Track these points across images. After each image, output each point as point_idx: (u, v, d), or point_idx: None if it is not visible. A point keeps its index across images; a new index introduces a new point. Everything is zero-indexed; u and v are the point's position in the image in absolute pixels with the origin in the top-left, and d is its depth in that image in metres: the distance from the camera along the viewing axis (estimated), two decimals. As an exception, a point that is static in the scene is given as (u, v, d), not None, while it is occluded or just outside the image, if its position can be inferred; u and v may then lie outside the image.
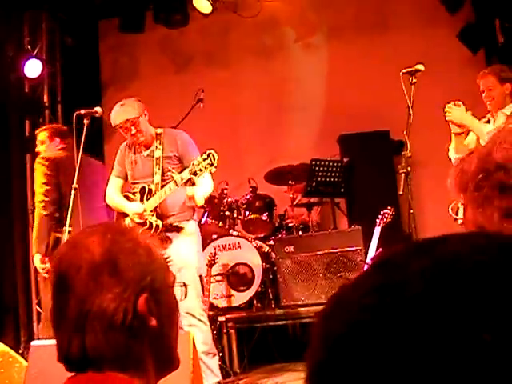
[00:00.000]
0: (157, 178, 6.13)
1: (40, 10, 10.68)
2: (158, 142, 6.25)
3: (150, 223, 6.08)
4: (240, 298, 7.85)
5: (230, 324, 7.61)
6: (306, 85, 10.36)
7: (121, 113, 6.17)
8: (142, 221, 6.10)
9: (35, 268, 9.96)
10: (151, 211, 6.10)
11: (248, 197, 8.68)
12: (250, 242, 8.07)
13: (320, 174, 8.62)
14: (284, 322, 7.80)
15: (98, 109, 6.38)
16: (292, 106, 10.37)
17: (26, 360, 3.84)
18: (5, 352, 3.97)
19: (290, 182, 8.74)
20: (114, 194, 6.46)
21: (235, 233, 8.28)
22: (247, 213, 8.59)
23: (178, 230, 6.13)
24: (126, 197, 6.34)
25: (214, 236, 8.13)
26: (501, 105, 5.78)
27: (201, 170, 5.71)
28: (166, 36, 10.61)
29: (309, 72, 10.41)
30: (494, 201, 1.34)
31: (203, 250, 6.95)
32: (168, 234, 6.08)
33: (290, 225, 8.77)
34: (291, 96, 10.41)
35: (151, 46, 10.93)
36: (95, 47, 11.30)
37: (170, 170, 6.06)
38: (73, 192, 6.10)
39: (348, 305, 0.72)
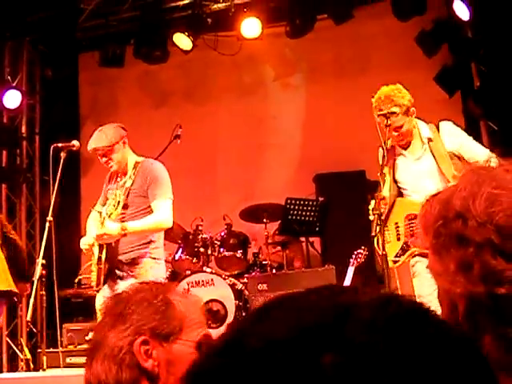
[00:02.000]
0: (118, 209, 6.03)
1: (21, 40, 10.73)
2: (133, 171, 6.16)
3: (98, 255, 6.03)
4: (212, 334, 7.80)
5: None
6: (284, 123, 10.44)
7: (94, 139, 6.13)
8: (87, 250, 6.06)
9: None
10: (100, 244, 6.00)
11: (223, 234, 8.68)
12: (224, 279, 8.06)
13: (295, 212, 8.64)
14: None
15: (75, 142, 6.41)
16: (269, 144, 10.44)
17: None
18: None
19: (265, 219, 8.75)
20: (89, 223, 6.40)
21: (209, 269, 8.26)
22: (221, 250, 8.58)
23: (129, 269, 6.01)
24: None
25: (188, 272, 8.12)
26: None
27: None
28: (146, 71, 10.66)
29: (286, 111, 10.50)
30: (450, 250, 1.31)
31: (176, 286, 6.88)
32: (118, 272, 6.00)
33: (264, 263, 8.77)
34: (269, 134, 10.49)
35: (131, 81, 10.99)
36: (75, 80, 11.33)
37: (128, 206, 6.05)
38: (47, 224, 6.10)
39: (200, 367, 0.80)
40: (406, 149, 5.87)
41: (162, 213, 5.98)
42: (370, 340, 0.72)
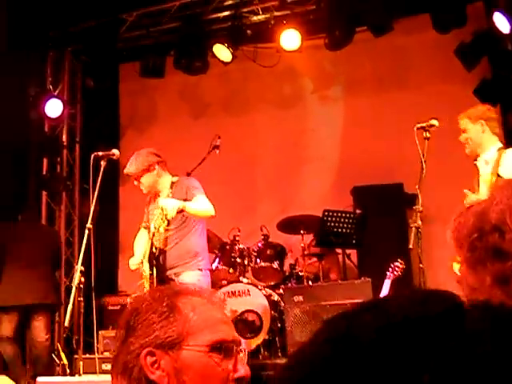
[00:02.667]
0: (161, 227, 6.23)
1: (63, 50, 10.86)
2: (171, 190, 6.46)
3: (149, 271, 6.20)
4: (247, 345, 7.82)
5: (235, 371, 7.55)
6: (322, 136, 10.44)
7: (128, 164, 6.54)
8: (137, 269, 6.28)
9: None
10: (149, 261, 6.21)
11: (260, 244, 8.68)
12: (260, 289, 8.07)
13: (332, 224, 8.61)
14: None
15: (115, 151, 6.49)
16: (307, 156, 10.44)
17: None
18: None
19: (301, 231, 8.74)
20: (136, 244, 6.65)
21: (245, 280, 8.27)
22: (258, 260, 8.58)
23: (179, 282, 6.12)
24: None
25: (224, 282, 8.14)
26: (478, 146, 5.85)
27: (155, 226, 6.04)
28: (186, 82, 10.73)
29: (325, 123, 10.50)
30: (486, 264, 1.28)
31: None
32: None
33: (300, 274, 8.76)
34: (307, 146, 10.49)
35: (170, 91, 11.07)
36: (115, 90, 11.44)
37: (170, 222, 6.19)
38: (86, 231, 6.17)
39: (305, 355, 0.78)
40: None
41: (206, 202, 6.29)
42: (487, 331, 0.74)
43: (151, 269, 6.19)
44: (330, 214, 8.64)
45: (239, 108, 10.81)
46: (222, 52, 9.88)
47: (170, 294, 1.85)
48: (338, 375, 0.73)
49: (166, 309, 1.79)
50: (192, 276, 6.24)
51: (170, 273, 6.23)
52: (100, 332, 8.52)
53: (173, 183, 6.52)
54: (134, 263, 6.38)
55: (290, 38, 9.71)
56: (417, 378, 0.70)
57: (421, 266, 5.48)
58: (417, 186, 5.60)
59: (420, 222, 5.41)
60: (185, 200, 6.21)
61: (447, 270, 5.67)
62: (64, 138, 10.89)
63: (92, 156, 6.39)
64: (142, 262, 6.29)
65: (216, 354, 1.78)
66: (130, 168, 6.51)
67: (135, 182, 6.55)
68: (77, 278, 6.14)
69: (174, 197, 6.34)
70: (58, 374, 7.96)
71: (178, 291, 1.88)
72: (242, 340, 1.93)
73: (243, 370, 1.81)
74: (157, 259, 6.19)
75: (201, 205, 6.24)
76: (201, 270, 6.37)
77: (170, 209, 5.96)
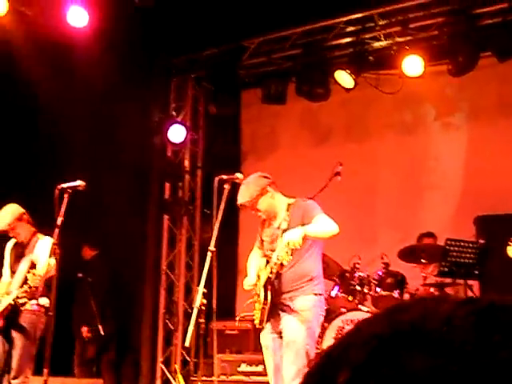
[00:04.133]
0: (285, 261, 6.11)
1: (186, 77, 11.11)
2: (288, 213, 6.32)
3: (264, 295, 6.18)
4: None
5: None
6: (445, 163, 10.26)
7: (239, 195, 6.38)
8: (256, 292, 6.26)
9: (163, 327, 10.22)
10: (265, 284, 6.18)
11: (380, 273, 8.57)
12: (379, 318, 7.94)
13: (455, 254, 8.43)
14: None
15: (238, 175, 6.54)
16: (429, 184, 10.28)
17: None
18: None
19: (422, 260, 8.59)
20: (248, 263, 6.63)
21: (365, 308, 8.18)
22: (378, 289, 8.48)
23: (293, 306, 6.10)
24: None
25: (343, 310, 8.07)
26: None
27: (279, 257, 5.90)
28: (307, 108, 10.77)
29: (447, 151, 10.32)
30: None
31: (329, 323, 6.90)
32: (280, 311, 6.14)
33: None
34: (429, 174, 10.33)
35: (291, 118, 11.12)
36: (237, 116, 11.58)
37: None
38: (209, 254, 6.23)
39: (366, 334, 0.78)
40: None
41: (328, 221, 6.11)
42: None
43: (266, 292, 6.16)
44: (453, 243, 8.46)
45: (360, 134, 10.76)
46: (343, 78, 9.86)
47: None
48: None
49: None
50: (307, 301, 6.15)
51: (284, 297, 6.16)
52: (217, 355, 8.60)
53: (289, 205, 6.39)
54: (248, 284, 6.35)
55: (412, 64, 9.62)
56: None
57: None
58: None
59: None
60: (302, 225, 6.16)
61: None
62: (186, 163, 11.10)
63: (216, 179, 6.43)
64: (256, 284, 6.26)
65: None
66: (244, 198, 6.34)
67: (252, 212, 6.45)
68: (198, 299, 6.20)
69: (292, 220, 6.24)
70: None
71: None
72: None
73: None
74: (272, 284, 6.17)
75: (322, 225, 6.08)
76: (316, 294, 6.21)
77: (297, 240, 5.86)
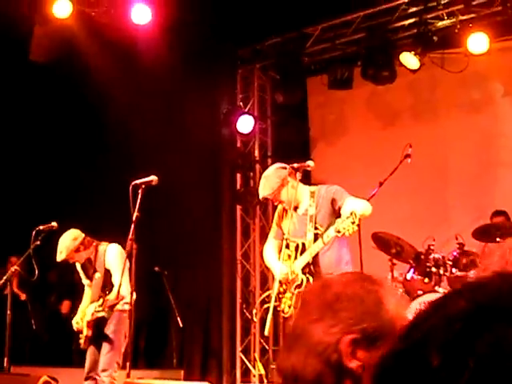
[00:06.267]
0: (309, 236, 6.21)
1: (252, 68, 11.18)
2: (312, 199, 6.36)
3: (302, 280, 6.19)
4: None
5: None
6: (514, 140, 10.12)
7: (261, 188, 6.49)
8: (289, 279, 6.26)
9: (241, 317, 10.35)
10: (303, 268, 6.20)
11: (455, 253, 8.50)
12: (457, 299, 7.90)
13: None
14: None
15: (310, 162, 6.55)
16: (500, 162, 10.13)
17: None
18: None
19: (497, 239, 8.50)
20: (269, 254, 6.67)
21: (441, 290, 8.13)
22: (454, 270, 8.42)
23: None
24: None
25: (420, 292, 8.05)
26: None
27: (344, 228, 5.70)
28: (373, 92, 10.72)
29: (517, 128, 10.17)
30: None
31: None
32: None
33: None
34: (499, 151, 10.19)
35: (358, 102, 11.09)
36: (304, 103, 11.59)
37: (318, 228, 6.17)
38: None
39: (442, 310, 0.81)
40: None
41: (360, 201, 6.14)
42: None
43: (306, 277, 6.19)
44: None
45: (428, 115, 10.66)
46: (409, 60, 9.81)
47: (375, 287, 1.78)
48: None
49: (373, 303, 1.72)
50: None
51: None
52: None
53: (312, 192, 6.42)
54: (282, 272, 6.30)
55: (477, 42, 9.50)
56: None
57: None
58: None
59: None
60: (332, 209, 6.20)
61: None
62: (256, 152, 11.17)
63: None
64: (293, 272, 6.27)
65: None
66: (266, 191, 6.41)
67: (276, 203, 6.55)
68: (275, 287, 6.28)
69: (319, 204, 6.30)
70: (255, 384, 8.18)
71: (381, 285, 1.80)
72: None
73: None
74: (309, 267, 6.20)
75: (361, 204, 6.03)
76: None
77: (367, 210, 5.93)
